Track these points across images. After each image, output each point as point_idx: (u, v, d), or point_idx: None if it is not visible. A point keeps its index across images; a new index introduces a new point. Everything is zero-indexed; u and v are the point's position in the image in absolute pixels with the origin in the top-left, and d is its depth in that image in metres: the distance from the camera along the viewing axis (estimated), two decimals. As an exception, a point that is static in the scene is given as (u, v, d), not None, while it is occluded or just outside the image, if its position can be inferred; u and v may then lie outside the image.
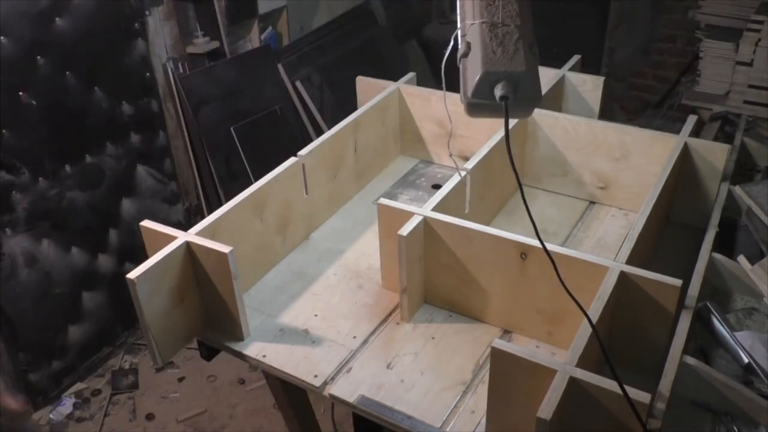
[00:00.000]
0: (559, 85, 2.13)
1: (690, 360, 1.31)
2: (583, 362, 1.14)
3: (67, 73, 2.67)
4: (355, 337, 1.54)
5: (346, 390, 1.40)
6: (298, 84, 3.59)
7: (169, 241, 1.44)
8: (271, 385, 1.85)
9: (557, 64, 2.18)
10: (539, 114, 1.91)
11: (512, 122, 1.80)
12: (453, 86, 1.13)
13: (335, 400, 1.40)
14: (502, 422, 1.22)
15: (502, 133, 1.82)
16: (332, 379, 1.43)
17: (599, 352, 1.13)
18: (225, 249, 1.39)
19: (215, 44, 3.25)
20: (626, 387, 1.04)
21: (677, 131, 1.80)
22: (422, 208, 1.54)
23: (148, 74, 3.02)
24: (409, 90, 2.14)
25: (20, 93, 2.52)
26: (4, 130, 2.48)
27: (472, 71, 1.03)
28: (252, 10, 3.36)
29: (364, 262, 1.77)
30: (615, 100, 4.52)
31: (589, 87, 2.14)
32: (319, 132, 3.51)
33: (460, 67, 1.07)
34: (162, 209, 3.20)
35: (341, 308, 1.63)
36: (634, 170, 1.86)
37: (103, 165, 2.89)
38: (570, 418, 1.12)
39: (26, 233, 2.61)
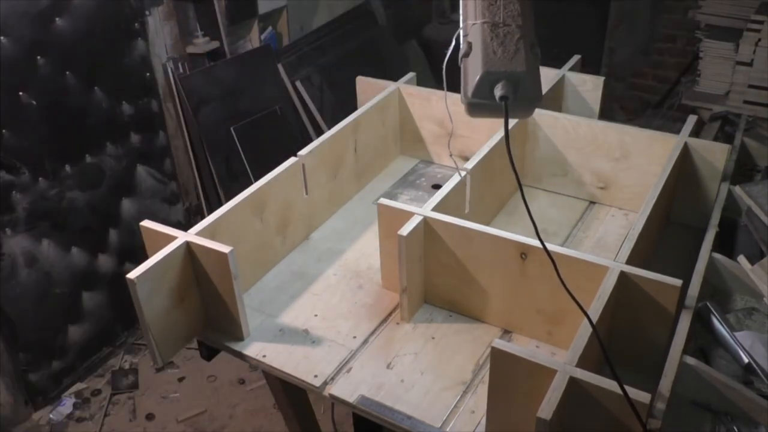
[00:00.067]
0: (559, 85, 2.13)
1: (690, 360, 1.31)
2: (583, 362, 1.14)
3: (67, 73, 2.67)
4: (355, 337, 1.54)
5: (346, 390, 1.40)
6: (298, 84, 3.59)
7: (169, 241, 1.44)
8: (271, 385, 1.85)
9: (557, 64, 2.18)
10: (539, 114, 1.91)
11: (512, 122, 1.80)
12: (454, 86, 1.13)
13: (335, 400, 1.40)
14: (502, 422, 1.22)
15: (502, 133, 1.82)
16: (332, 379, 1.43)
17: (599, 352, 1.13)
18: (225, 249, 1.39)
19: (215, 44, 3.25)
20: (626, 387, 1.04)
21: (677, 131, 1.81)
22: (422, 208, 1.54)
23: (148, 74, 3.02)
24: (409, 90, 2.14)
25: (20, 93, 2.52)
26: (4, 130, 2.48)
27: (472, 71, 1.03)
28: (252, 10, 3.36)
29: (364, 262, 1.77)
30: (615, 100, 4.52)
31: (589, 87, 2.14)
32: (319, 132, 3.51)
33: (462, 67, 1.07)
34: (162, 209, 3.20)
35: (341, 308, 1.63)
36: (634, 170, 1.86)
37: (103, 165, 2.89)
38: (570, 418, 1.12)
39: (26, 233, 2.61)
